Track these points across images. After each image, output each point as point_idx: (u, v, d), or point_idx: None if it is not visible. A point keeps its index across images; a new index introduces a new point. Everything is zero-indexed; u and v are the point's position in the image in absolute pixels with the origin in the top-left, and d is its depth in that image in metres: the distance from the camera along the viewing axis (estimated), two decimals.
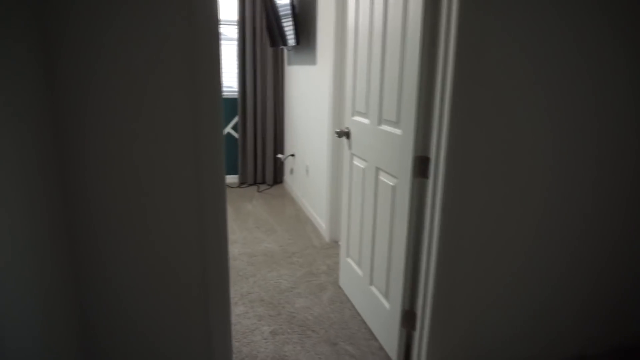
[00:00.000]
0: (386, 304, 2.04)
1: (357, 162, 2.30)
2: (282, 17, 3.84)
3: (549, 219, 1.80)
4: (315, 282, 2.74)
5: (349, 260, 2.50)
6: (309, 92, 3.81)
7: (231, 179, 4.98)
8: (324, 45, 3.31)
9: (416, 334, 1.89)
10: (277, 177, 5.00)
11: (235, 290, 2.63)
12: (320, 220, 3.58)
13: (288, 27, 3.77)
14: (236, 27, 4.50)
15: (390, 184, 1.94)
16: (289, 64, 4.49)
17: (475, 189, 1.68)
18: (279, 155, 4.78)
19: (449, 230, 1.69)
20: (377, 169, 2.06)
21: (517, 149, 1.68)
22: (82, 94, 1.31)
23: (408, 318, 1.91)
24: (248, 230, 3.58)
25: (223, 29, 4.65)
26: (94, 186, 1.38)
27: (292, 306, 2.47)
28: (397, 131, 1.85)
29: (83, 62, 1.29)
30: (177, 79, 1.38)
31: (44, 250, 1.23)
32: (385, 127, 1.96)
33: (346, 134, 2.40)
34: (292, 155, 4.52)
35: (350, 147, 2.39)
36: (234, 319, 2.33)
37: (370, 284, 2.21)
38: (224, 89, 4.75)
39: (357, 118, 2.27)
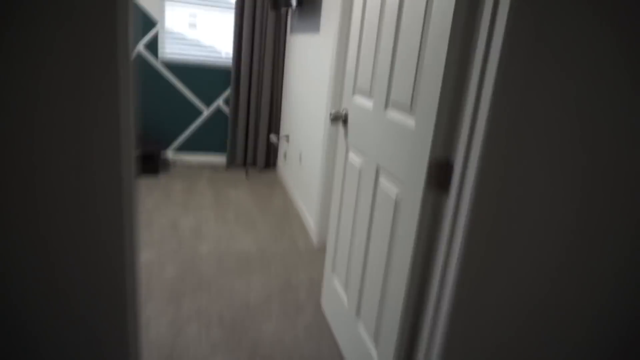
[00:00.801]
0: (374, 353, 1.51)
1: (354, 156, 1.75)
2: None
3: (607, 256, 1.24)
4: (292, 299, 2.22)
5: (334, 278, 1.96)
6: (310, 65, 3.23)
7: (218, 159, 4.44)
8: (330, 9, 2.72)
9: None
10: (270, 160, 4.45)
11: (192, 302, 2.11)
12: (310, 218, 3.04)
13: None
14: None
15: (394, 190, 1.39)
16: (292, 31, 3.90)
17: (517, 214, 1.12)
18: (272, 137, 4.22)
19: (472, 267, 1.15)
20: (378, 169, 1.51)
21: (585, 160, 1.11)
22: None
23: None
24: (225, 223, 3.05)
25: None
26: None
27: (259, 332, 1.95)
28: (410, 120, 1.29)
29: None
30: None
31: None
32: (394, 114, 1.40)
33: (343, 119, 1.83)
34: (287, 137, 3.97)
35: (346, 135, 1.83)
36: (182, 342, 1.82)
37: (357, 317, 1.68)
38: (217, 56, 4.18)
39: (358, 99, 1.71)
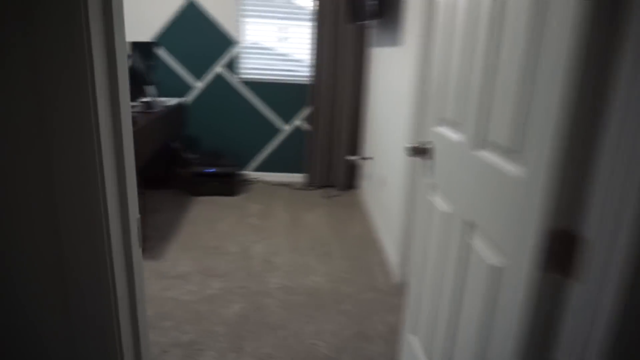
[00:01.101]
0: None
1: (439, 201, 1.43)
2: None
3: None
4: (365, 353, 1.94)
5: (415, 340, 1.65)
6: (391, 81, 2.93)
7: (297, 178, 4.29)
8: (413, 19, 2.41)
9: None
10: (351, 181, 4.20)
11: (255, 349, 1.92)
12: (391, 250, 2.74)
13: None
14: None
15: (491, 262, 1.06)
16: (373, 45, 3.63)
17: None
18: (352, 157, 3.97)
19: None
20: (471, 226, 1.18)
21: None
22: None
23: None
24: (298, 252, 2.86)
25: (298, 1, 3.92)
26: None
27: None
28: (515, 169, 0.96)
29: None
30: None
31: None
32: (493, 157, 1.07)
33: (423, 152, 1.52)
34: (368, 158, 3.69)
35: (429, 173, 1.51)
36: None
37: None
38: (296, 72, 4.05)
39: (444, 131, 1.39)
